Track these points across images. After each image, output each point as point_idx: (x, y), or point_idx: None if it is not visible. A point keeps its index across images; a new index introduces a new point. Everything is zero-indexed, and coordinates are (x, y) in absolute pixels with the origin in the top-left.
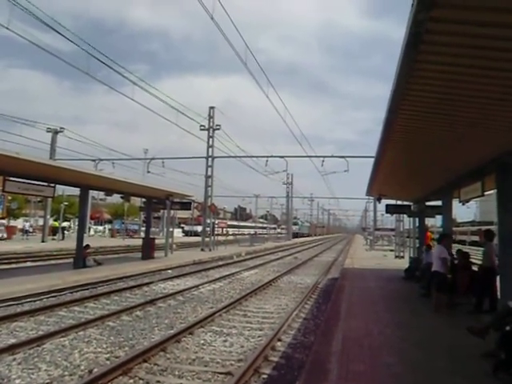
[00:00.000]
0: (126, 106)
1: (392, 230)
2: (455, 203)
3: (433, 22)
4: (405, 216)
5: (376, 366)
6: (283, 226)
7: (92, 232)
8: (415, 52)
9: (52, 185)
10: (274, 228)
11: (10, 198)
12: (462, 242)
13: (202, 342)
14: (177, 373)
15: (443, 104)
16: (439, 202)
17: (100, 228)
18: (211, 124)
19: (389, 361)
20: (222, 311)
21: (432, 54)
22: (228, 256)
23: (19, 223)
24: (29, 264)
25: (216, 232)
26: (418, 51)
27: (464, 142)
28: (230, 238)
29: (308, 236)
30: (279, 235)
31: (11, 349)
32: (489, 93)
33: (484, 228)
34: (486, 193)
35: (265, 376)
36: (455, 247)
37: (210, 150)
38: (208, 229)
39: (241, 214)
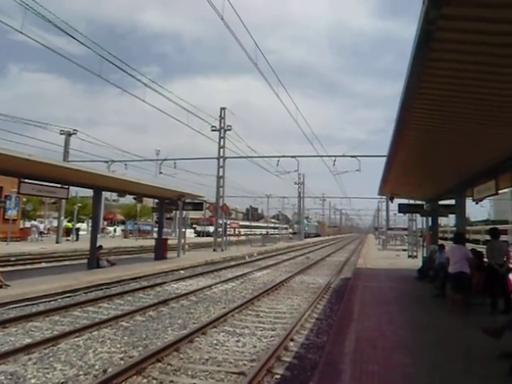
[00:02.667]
0: (138, 108)
1: (405, 229)
2: (469, 202)
3: (444, 20)
4: (418, 215)
5: (390, 366)
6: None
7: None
8: (427, 50)
9: (66, 186)
10: (286, 228)
11: (24, 199)
12: (476, 242)
13: (215, 342)
14: (190, 373)
15: (456, 102)
16: (452, 201)
17: (110, 229)
18: (222, 125)
19: (403, 361)
20: (235, 311)
21: (444, 51)
22: (240, 256)
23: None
24: (44, 265)
25: (228, 232)
26: (429, 49)
27: (477, 140)
28: (242, 238)
29: (316, 236)
30: (291, 235)
31: (27, 348)
32: (502, 90)
33: (501, 227)
34: (501, 191)
35: (278, 376)
36: (468, 247)
37: (222, 150)
38: (220, 229)
39: (252, 214)
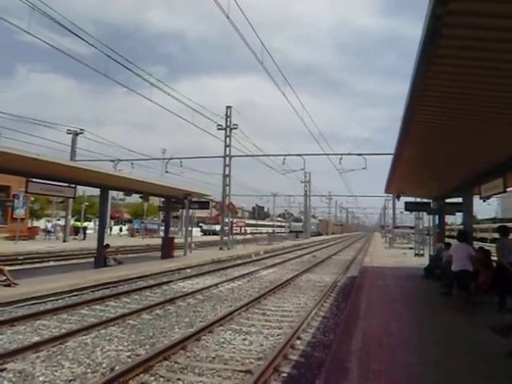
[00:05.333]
0: (144, 108)
1: (411, 227)
2: (476, 200)
3: (451, 16)
4: (424, 213)
5: (396, 365)
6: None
7: (114, 231)
8: (434, 47)
9: (73, 186)
10: None
11: (32, 198)
12: (483, 240)
13: (222, 340)
14: (197, 371)
15: (463, 99)
16: (459, 199)
17: (116, 227)
18: (228, 123)
19: (409, 360)
20: (241, 310)
21: (451, 48)
22: (246, 255)
23: (41, 223)
24: (51, 263)
25: (234, 231)
26: (436, 46)
27: (484, 137)
28: (249, 236)
29: (318, 235)
30: (287, 234)
31: (35, 347)
32: (510, 86)
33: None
34: (508, 189)
35: (284, 374)
36: (476, 245)
37: (228, 149)
38: (226, 228)
39: (259, 212)
